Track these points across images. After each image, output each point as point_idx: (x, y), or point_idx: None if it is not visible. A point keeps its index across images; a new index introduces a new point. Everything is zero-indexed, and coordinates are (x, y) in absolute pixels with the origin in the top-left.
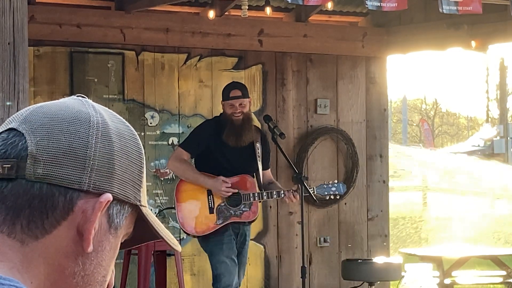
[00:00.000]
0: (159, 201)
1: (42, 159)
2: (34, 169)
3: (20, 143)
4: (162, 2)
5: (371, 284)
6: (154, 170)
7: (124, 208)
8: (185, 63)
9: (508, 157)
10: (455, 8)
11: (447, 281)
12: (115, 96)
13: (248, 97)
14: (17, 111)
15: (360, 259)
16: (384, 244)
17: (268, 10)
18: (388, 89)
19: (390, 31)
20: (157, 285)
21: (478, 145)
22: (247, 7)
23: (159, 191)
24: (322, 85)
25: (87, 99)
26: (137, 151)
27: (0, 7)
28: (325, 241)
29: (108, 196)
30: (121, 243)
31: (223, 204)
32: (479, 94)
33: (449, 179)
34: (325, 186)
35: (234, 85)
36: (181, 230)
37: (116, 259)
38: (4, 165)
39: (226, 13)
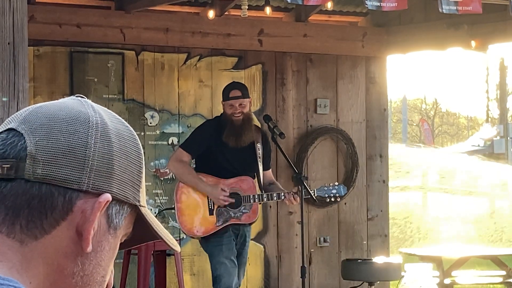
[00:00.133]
0: (159, 201)
1: (41, 159)
2: (33, 169)
3: (19, 143)
4: (162, 2)
5: (371, 284)
6: (154, 170)
7: (123, 208)
8: (185, 63)
9: (508, 157)
10: (455, 8)
11: (447, 281)
12: (115, 96)
13: (248, 97)
14: (17, 111)
15: (360, 259)
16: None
17: (268, 10)
18: (388, 89)
19: (390, 31)
20: (156, 285)
21: (478, 145)
22: (247, 7)
23: (159, 191)
24: (322, 85)
25: (86, 99)
26: (136, 151)
27: (0, 6)
28: (325, 241)
29: (107, 196)
30: (121, 243)
31: (223, 205)
32: (479, 94)
33: (449, 179)
34: (326, 188)
35: (234, 85)
36: (180, 230)
37: (116, 259)
38: (3, 165)
39: (226, 13)
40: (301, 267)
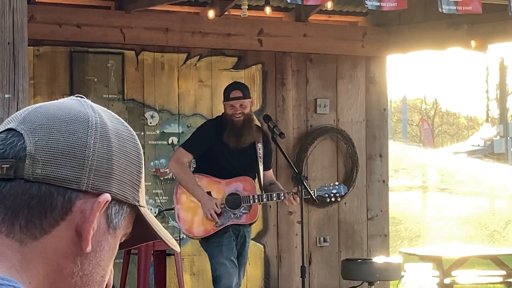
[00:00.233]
0: (159, 200)
1: (41, 159)
2: (32, 169)
3: (18, 143)
4: (162, 2)
5: (370, 283)
6: (154, 170)
7: (123, 208)
8: (185, 62)
9: (508, 157)
10: (455, 8)
11: (447, 280)
12: (115, 96)
13: (249, 98)
14: (17, 110)
15: (360, 259)
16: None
17: (267, 9)
18: (388, 88)
19: (390, 31)
20: (156, 285)
21: (478, 145)
22: (246, 7)
23: (159, 191)
24: (322, 85)
25: (85, 99)
26: (135, 151)
27: (0, 6)
28: (325, 240)
29: (107, 197)
30: (120, 243)
31: (222, 206)
32: (479, 94)
33: (449, 179)
34: (326, 188)
35: (235, 86)
36: (180, 230)
37: (116, 259)
38: (2, 165)
39: (226, 12)
40: (301, 267)
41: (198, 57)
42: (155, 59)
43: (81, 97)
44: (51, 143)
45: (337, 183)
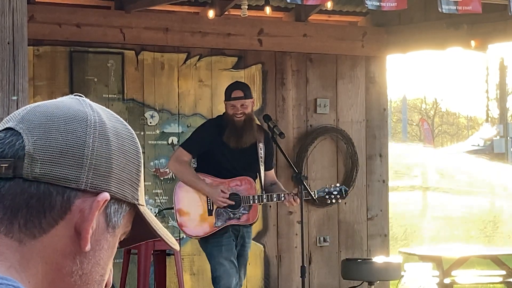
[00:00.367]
0: (158, 200)
1: (40, 159)
2: (31, 169)
3: (17, 143)
4: (161, 2)
5: (370, 283)
6: (154, 170)
7: (122, 207)
8: (184, 62)
9: (508, 157)
10: (455, 7)
11: (447, 280)
12: (115, 96)
13: (251, 98)
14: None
15: (360, 259)
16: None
17: (267, 9)
18: (388, 88)
19: (389, 31)
20: (156, 284)
21: (478, 145)
22: (246, 7)
23: (158, 191)
24: (321, 85)
25: (84, 98)
26: (134, 150)
27: None
28: (324, 240)
29: (106, 195)
30: (119, 242)
31: (221, 207)
32: (479, 93)
33: (449, 179)
34: (327, 190)
35: (236, 85)
36: (180, 230)
37: (116, 259)
38: (1, 165)
39: (226, 12)
40: (301, 266)
41: (198, 57)
42: (155, 59)
43: (80, 96)
44: (49, 142)
45: (338, 184)
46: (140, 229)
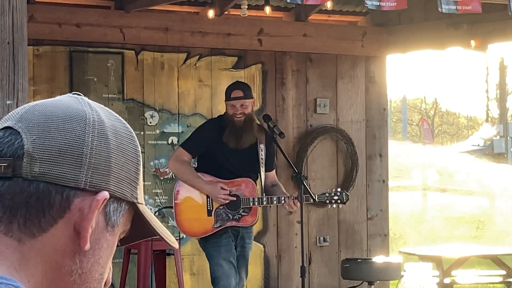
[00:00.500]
0: (158, 200)
1: (39, 158)
2: (30, 168)
3: (16, 142)
4: (161, 2)
5: (370, 283)
6: (154, 170)
7: (121, 205)
8: (184, 62)
9: (508, 157)
10: (455, 7)
11: (447, 280)
12: (115, 96)
13: (251, 98)
14: None
15: (360, 259)
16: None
17: (267, 9)
18: (388, 88)
19: (389, 31)
20: (156, 284)
21: (478, 145)
22: (246, 7)
23: (158, 191)
24: (321, 85)
25: (83, 96)
26: (133, 148)
27: None
28: (324, 240)
29: (105, 194)
30: (119, 240)
31: (221, 207)
32: (478, 93)
33: (449, 179)
34: (327, 195)
35: (236, 85)
36: (179, 229)
37: (116, 259)
38: (0, 164)
39: (226, 12)
40: (301, 266)
41: (198, 56)
42: (155, 59)
43: (79, 95)
44: (48, 141)
45: (339, 189)
46: (139, 228)
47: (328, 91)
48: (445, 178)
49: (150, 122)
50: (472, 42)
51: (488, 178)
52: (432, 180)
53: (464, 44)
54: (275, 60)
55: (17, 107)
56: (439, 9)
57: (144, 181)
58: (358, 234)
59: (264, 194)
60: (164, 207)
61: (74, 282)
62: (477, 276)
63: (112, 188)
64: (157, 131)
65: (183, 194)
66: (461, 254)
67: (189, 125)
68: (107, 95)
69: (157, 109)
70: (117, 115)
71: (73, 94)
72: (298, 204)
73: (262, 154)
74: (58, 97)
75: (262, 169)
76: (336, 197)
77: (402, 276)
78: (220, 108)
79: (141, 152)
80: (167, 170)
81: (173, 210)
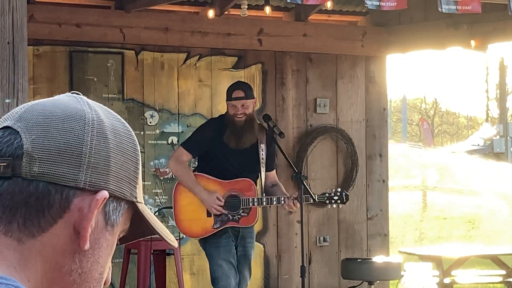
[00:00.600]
0: (158, 200)
1: (38, 157)
2: (30, 167)
3: (15, 141)
4: (161, 2)
5: (370, 283)
6: (154, 169)
7: (121, 205)
8: (184, 62)
9: (508, 156)
10: (455, 7)
11: (447, 280)
12: (115, 96)
13: (252, 98)
14: None
15: (360, 259)
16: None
17: (267, 9)
18: (388, 88)
19: (389, 31)
20: (156, 284)
21: (478, 145)
22: (246, 7)
23: (158, 190)
24: (321, 85)
25: (81, 96)
26: (132, 147)
27: None
28: (324, 240)
29: (105, 194)
30: (118, 239)
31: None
32: (478, 93)
33: (449, 179)
34: (327, 195)
35: (237, 85)
36: (179, 230)
37: (116, 259)
38: (0, 164)
39: (226, 12)
40: (301, 266)
41: (197, 56)
42: (155, 59)
43: (77, 94)
44: (48, 140)
45: (339, 189)
46: (138, 227)
47: (328, 91)
48: (445, 178)
49: (150, 122)
50: (472, 42)
51: (488, 177)
52: (432, 180)
53: (464, 44)
54: (275, 60)
55: (16, 105)
56: (439, 9)
57: (144, 181)
58: (358, 234)
59: (264, 194)
60: (164, 208)
61: (74, 281)
62: (477, 276)
63: (111, 187)
64: (157, 131)
65: (182, 195)
66: (461, 254)
67: (189, 125)
68: (107, 95)
69: (157, 109)
70: (116, 114)
71: (72, 93)
72: (298, 205)
73: (262, 154)
74: (57, 97)
75: (263, 169)
76: (336, 197)
77: (402, 276)
78: (220, 108)
79: (141, 152)
80: (167, 170)
81: (172, 211)
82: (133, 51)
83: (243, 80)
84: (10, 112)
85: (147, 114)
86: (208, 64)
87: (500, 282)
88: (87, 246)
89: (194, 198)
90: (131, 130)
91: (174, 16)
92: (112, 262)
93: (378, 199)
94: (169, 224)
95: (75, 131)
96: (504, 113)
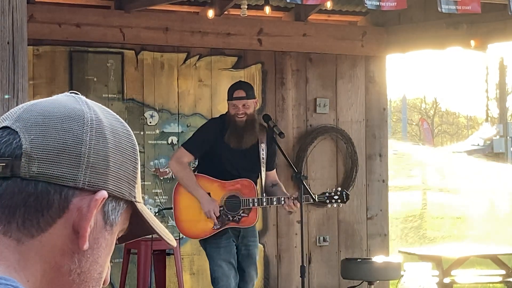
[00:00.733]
0: (158, 200)
1: (37, 157)
2: (28, 168)
3: (14, 142)
4: (161, 1)
5: (370, 283)
6: (154, 170)
7: (119, 204)
8: (184, 62)
9: (507, 156)
10: (454, 7)
11: (447, 280)
12: (115, 96)
13: (253, 98)
14: None
15: (360, 259)
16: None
17: (267, 9)
18: (388, 88)
19: (389, 30)
20: (156, 284)
21: (478, 144)
22: (246, 6)
23: (158, 190)
24: (321, 84)
25: (80, 95)
26: (131, 147)
27: None
28: (324, 240)
29: (104, 193)
30: (117, 238)
31: (221, 208)
32: (478, 93)
33: (449, 179)
34: (327, 195)
35: (239, 85)
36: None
37: (116, 259)
38: None
39: (226, 12)
40: (301, 266)
41: (197, 56)
42: (155, 59)
43: (76, 94)
44: (46, 140)
45: (339, 188)
46: (137, 226)
47: (328, 91)
48: (445, 178)
49: (150, 122)
50: (472, 42)
51: (487, 177)
52: (432, 180)
53: (464, 44)
54: (275, 60)
55: (16, 105)
56: (439, 9)
57: (144, 181)
58: (358, 234)
59: (264, 194)
60: (164, 208)
61: (73, 281)
62: (477, 276)
63: (110, 187)
64: (157, 131)
65: (183, 195)
66: (461, 254)
67: (189, 125)
68: (107, 95)
69: (157, 109)
70: (115, 114)
71: (71, 93)
72: (298, 205)
73: (263, 154)
74: (55, 96)
75: (263, 169)
76: (336, 197)
77: (402, 276)
78: (220, 108)
79: (141, 152)
80: (167, 170)
81: (172, 211)
82: (133, 51)
83: (243, 80)
84: (9, 112)
85: (147, 114)
86: (208, 64)
87: (500, 282)
88: (86, 246)
89: (194, 199)
90: (130, 130)
91: (174, 16)
92: (112, 262)
93: (378, 199)
94: (169, 224)
95: (74, 131)
96: (504, 113)
